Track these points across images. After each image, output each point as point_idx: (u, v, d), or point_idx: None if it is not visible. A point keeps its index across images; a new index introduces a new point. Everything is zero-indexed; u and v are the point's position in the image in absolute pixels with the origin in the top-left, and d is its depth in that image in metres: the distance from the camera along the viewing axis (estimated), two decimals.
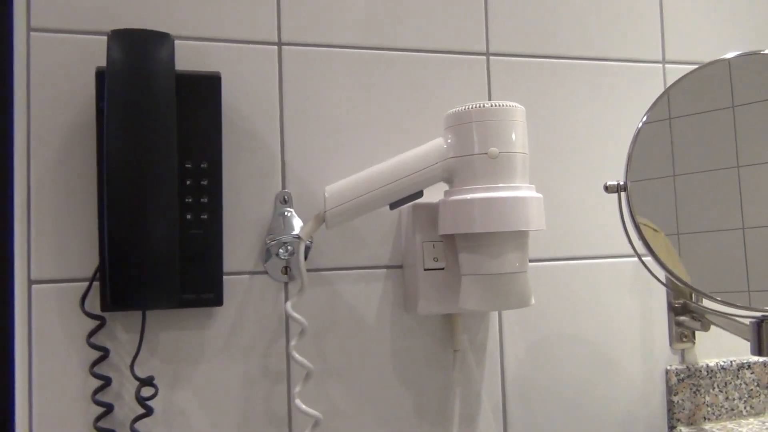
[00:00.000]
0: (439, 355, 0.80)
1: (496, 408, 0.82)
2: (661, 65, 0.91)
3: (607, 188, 0.74)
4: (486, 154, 0.68)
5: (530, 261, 0.83)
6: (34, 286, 0.69)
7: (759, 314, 0.71)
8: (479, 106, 0.69)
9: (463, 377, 0.81)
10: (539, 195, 0.69)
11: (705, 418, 0.88)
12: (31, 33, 0.71)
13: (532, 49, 0.86)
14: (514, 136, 0.69)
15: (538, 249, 0.85)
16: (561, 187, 0.86)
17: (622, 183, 0.74)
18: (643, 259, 0.76)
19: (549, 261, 0.85)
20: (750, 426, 0.86)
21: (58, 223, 0.70)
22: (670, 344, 0.89)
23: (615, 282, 0.87)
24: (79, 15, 0.72)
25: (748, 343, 0.72)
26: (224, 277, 0.73)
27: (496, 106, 0.69)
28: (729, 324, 0.76)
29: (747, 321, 0.72)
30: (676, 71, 0.90)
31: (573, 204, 0.87)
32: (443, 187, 0.72)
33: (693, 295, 0.85)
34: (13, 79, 0.70)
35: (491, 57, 0.85)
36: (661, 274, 0.78)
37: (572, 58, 0.88)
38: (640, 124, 0.75)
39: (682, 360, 0.89)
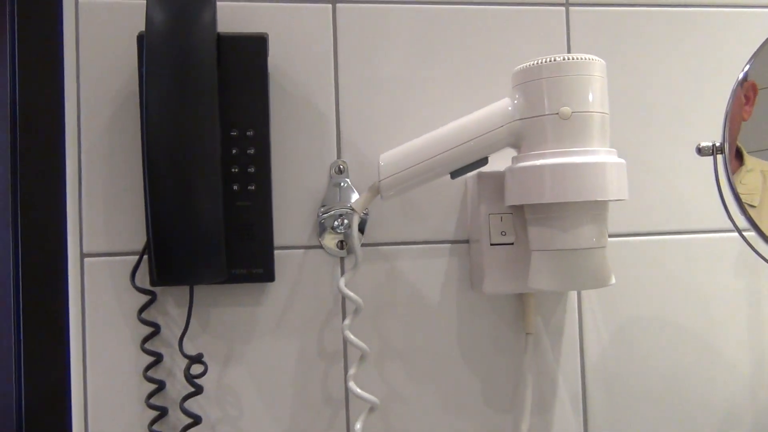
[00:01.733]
0: (509, 337, 0.73)
1: (575, 398, 0.74)
2: None
3: (700, 150, 0.64)
4: (557, 114, 0.60)
5: (612, 236, 0.75)
6: (86, 260, 0.68)
7: None
8: (550, 60, 0.61)
9: (537, 363, 0.74)
10: (621, 160, 0.61)
11: None
12: (80, 1, 0.69)
13: None
14: (590, 94, 0.60)
15: (623, 222, 0.76)
16: (649, 151, 0.76)
17: (718, 144, 0.63)
18: (744, 234, 0.66)
19: (636, 236, 0.76)
20: None
21: (109, 196, 0.69)
22: None
23: (715, 260, 0.77)
24: None
25: None
26: (276, 251, 0.69)
27: (569, 59, 0.60)
28: None
29: None
30: None
31: (663, 170, 0.76)
32: (512, 153, 0.65)
33: None
34: (63, 48, 0.69)
35: (571, 7, 0.76)
36: None
37: (662, 6, 0.77)
38: (740, 76, 0.64)
39: None
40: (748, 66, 0.65)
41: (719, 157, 0.63)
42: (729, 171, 0.63)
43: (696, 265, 0.76)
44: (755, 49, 0.66)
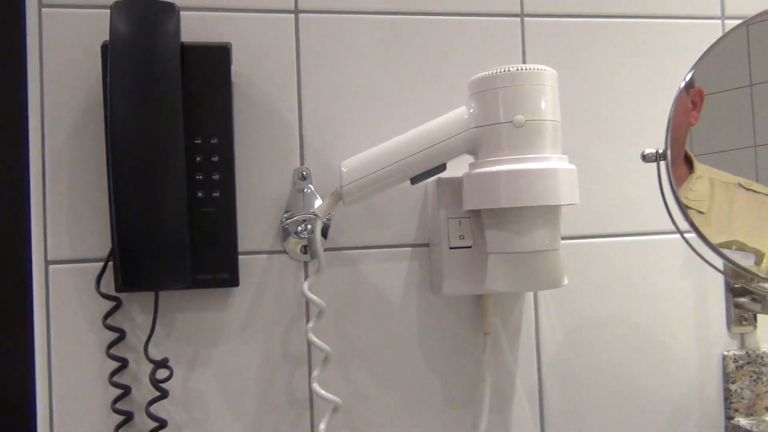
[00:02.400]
0: (468, 337, 0.76)
1: (532, 395, 0.77)
2: (719, 21, 0.83)
3: (644, 157, 0.67)
4: (511, 122, 0.63)
5: (567, 238, 0.78)
6: (51, 267, 0.69)
7: None
8: (504, 71, 0.63)
9: (495, 361, 0.76)
10: (572, 166, 0.63)
11: (767, 409, 0.80)
12: (43, 9, 0.69)
13: (570, 9, 0.79)
14: (543, 103, 0.63)
15: (577, 225, 0.79)
16: (599, 158, 0.80)
17: (661, 151, 0.67)
18: (686, 236, 0.69)
19: (589, 238, 0.79)
20: None
21: (74, 203, 0.69)
22: (728, 328, 0.81)
23: (663, 260, 0.80)
24: None
25: None
26: (241, 256, 0.71)
27: (522, 69, 0.63)
28: None
29: None
30: None
31: (614, 175, 0.80)
32: (470, 159, 0.67)
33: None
34: (27, 57, 0.69)
35: (525, 18, 0.78)
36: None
37: (614, 17, 0.80)
38: (682, 84, 0.68)
39: (742, 345, 0.81)
40: (690, 73, 0.68)
41: (662, 163, 0.67)
42: (671, 177, 0.66)
43: (645, 265, 0.80)
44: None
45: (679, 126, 0.69)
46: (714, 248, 0.67)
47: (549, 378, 0.78)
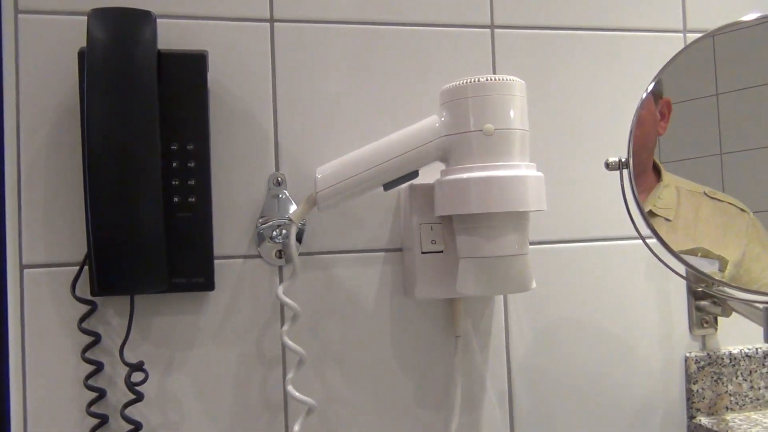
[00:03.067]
0: (440, 340, 0.78)
1: (502, 396, 0.79)
2: (681, 34, 0.86)
3: (608, 165, 0.70)
4: (481, 131, 0.65)
5: (535, 243, 0.80)
6: (25, 271, 0.69)
7: None
8: (474, 81, 0.65)
9: (466, 364, 0.78)
10: (539, 174, 0.66)
11: (727, 408, 0.83)
12: (19, 15, 0.70)
13: (539, 21, 0.82)
14: (512, 112, 0.65)
15: (544, 231, 0.81)
16: (568, 166, 0.82)
17: (624, 159, 0.69)
18: (648, 241, 0.72)
19: (556, 243, 0.81)
20: None
21: (49, 208, 0.70)
22: (690, 330, 0.84)
23: (628, 265, 0.83)
24: None
25: None
26: (216, 261, 0.71)
27: (492, 80, 0.65)
28: (747, 310, 0.72)
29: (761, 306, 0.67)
30: None
31: (581, 183, 0.82)
32: (441, 166, 0.69)
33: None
34: (2, 62, 0.69)
35: (496, 30, 0.81)
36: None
37: (582, 29, 0.83)
38: (644, 93, 0.70)
39: (703, 347, 0.84)
40: (653, 83, 0.71)
41: (625, 171, 0.69)
42: (633, 184, 0.68)
43: (611, 270, 0.82)
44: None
45: (645, 135, 0.72)
46: (675, 254, 0.70)
47: (518, 379, 0.80)
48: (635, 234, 0.77)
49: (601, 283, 0.82)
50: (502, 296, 0.80)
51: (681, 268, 0.72)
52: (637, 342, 0.83)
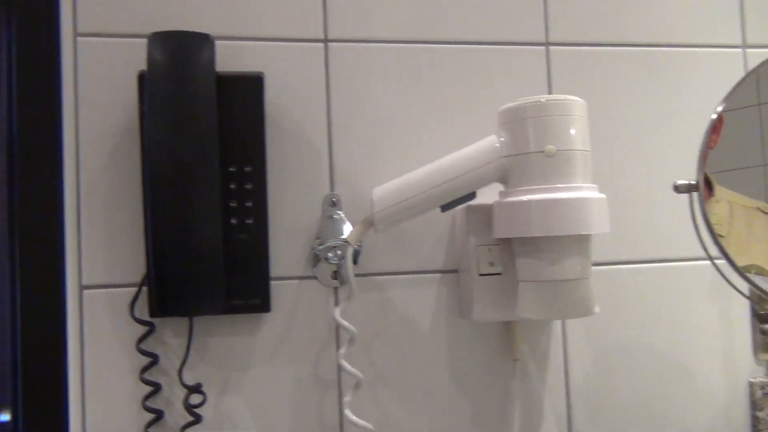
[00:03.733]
0: (497, 363, 0.76)
1: (560, 421, 0.77)
2: (741, 50, 0.84)
3: (677, 188, 0.68)
4: (542, 152, 0.64)
5: (595, 265, 0.78)
6: (85, 292, 0.70)
7: None
8: (534, 101, 0.64)
9: (524, 388, 0.77)
10: (602, 195, 0.64)
11: None
12: (78, 38, 0.71)
13: (595, 38, 0.80)
14: (573, 132, 0.64)
15: (604, 252, 0.79)
16: (628, 186, 0.80)
17: (693, 182, 0.67)
18: (717, 263, 0.69)
19: (616, 264, 0.79)
20: None
21: (108, 229, 0.70)
22: (754, 354, 0.81)
23: (690, 287, 0.80)
24: (124, 18, 0.71)
25: None
26: (272, 282, 0.71)
27: (552, 100, 0.64)
28: None
29: None
30: (759, 56, 0.82)
31: (642, 204, 0.80)
32: (499, 187, 0.68)
33: None
34: (62, 85, 0.70)
35: (551, 47, 0.80)
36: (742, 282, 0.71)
37: (638, 45, 0.81)
38: (715, 115, 0.69)
39: None
40: (722, 105, 0.69)
41: (694, 194, 0.67)
42: (704, 207, 0.67)
43: (671, 292, 0.80)
44: (727, 89, 0.70)
45: (705, 156, 0.70)
46: (742, 274, 0.68)
47: (577, 404, 0.78)
48: (695, 255, 0.76)
49: (661, 306, 0.80)
50: (559, 320, 0.78)
51: (744, 288, 0.70)
52: (699, 367, 0.80)
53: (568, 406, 0.78)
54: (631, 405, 0.79)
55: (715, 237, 0.67)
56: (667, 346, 0.80)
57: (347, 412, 0.68)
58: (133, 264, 0.70)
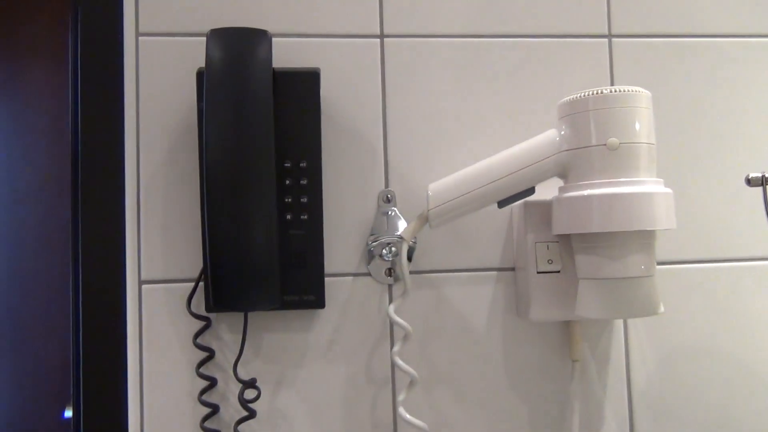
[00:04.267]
0: (556, 364, 0.74)
1: (622, 425, 0.74)
2: None
3: (749, 181, 0.65)
4: (605, 145, 0.61)
5: (660, 263, 0.75)
6: (144, 286, 0.71)
7: None
8: (596, 93, 0.62)
9: (584, 390, 0.74)
10: (668, 190, 0.62)
11: None
12: (140, 37, 0.72)
13: (659, 29, 0.77)
14: (637, 125, 0.62)
15: (670, 250, 0.76)
16: (696, 181, 0.77)
17: (767, 174, 0.64)
18: None
19: (683, 263, 0.76)
20: None
21: (167, 225, 0.71)
22: None
23: (762, 287, 0.76)
24: (184, 17, 0.72)
25: None
26: (326, 278, 0.71)
27: (615, 92, 0.62)
28: None
29: None
30: None
31: (711, 199, 0.77)
32: (558, 183, 0.66)
33: None
34: (124, 84, 0.72)
35: (613, 39, 0.77)
36: None
37: (704, 36, 0.78)
38: None
39: None
40: None
41: None
42: None
43: (742, 293, 0.76)
44: None
45: None
46: None
47: (640, 409, 0.75)
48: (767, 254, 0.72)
49: (730, 307, 0.76)
50: (621, 320, 0.75)
51: None
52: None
53: (631, 411, 0.75)
54: (699, 412, 0.75)
55: None
56: (738, 351, 0.76)
57: (401, 411, 0.67)
58: (191, 259, 0.71)
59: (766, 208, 0.64)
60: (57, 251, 1.81)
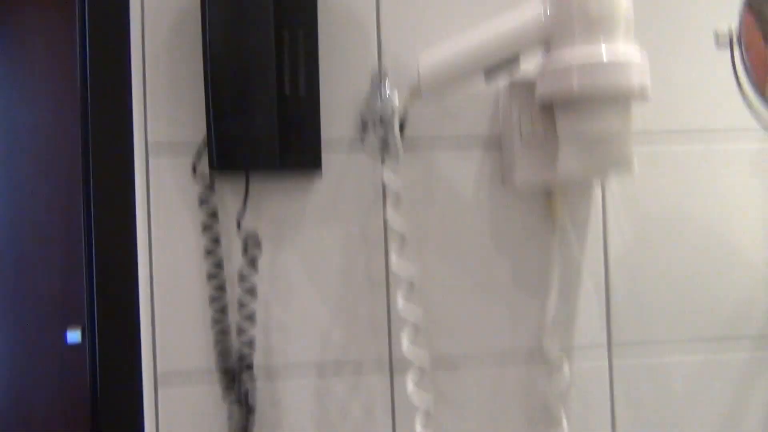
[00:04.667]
0: (538, 229, 0.79)
1: (599, 286, 0.80)
2: None
3: (717, 38, 0.68)
4: (584, 12, 0.65)
5: (636, 133, 0.78)
6: (150, 147, 0.75)
7: None
8: None
9: (563, 253, 0.80)
10: (643, 54, 0.65)
11: None
12: None
13: None
14: None
15: (644, 120, 0.80)
16: (671, 48, 0.81)
17: (735, 29, 0.68)
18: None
19: (656, 133, 0.81)
20: None
21: (172, 92, 0.75)
22: None
23: (734, 157, 0.81)
24: None
25: None
26: (323, 147, 0.75)
27: None
28: None
29: None
30: None
31: (685, 68, 0.81)
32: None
33: None
34: None
35: None
36: None
37: None
38: None
39: None
40: None
41: (736, 45, 0.67)
42: (745, 59, 0.67)
43: (714, 162, 0.81)
44: None
45: None
46: None
47: (616, 271, 0.80)
48: (739, 125, 0.76)
49: (702, 177, 0.81)
50: (600, 190, 0.80)
51: None
52: (739, 240, 0.81)
53: (606, 272, 0.80)
54: (671, 276, 0.81)
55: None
56: (709, 219, 0.81)
57: (393, 259, 0.72)
58: (195, 125, 0.74)
59: (733, 65, 0.67)
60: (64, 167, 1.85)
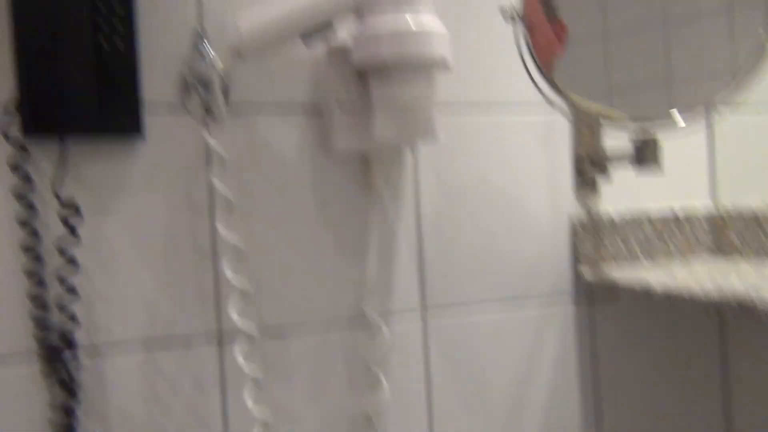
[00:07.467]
0: (357, 195, 0.84)
1: (412, 247, 0.87)
2: None
3: (503, 12, 0.78)
4: None
5: (441, 104, 0.87)
6: None
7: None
8: None
9: (379, 217, 0.86)
10: (442, 24, 0.73)
11: (605, 261, 0.95)
12: None
13: None
14: None
15: (448, 91, 0.88)
16: (471, 21, 0.89)
17: (519, 9, 0.78)
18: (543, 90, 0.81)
19: (460, 105, 0.89)
20: (651, 270, 0.94)
21: None
22: (574, 192, 0.94)
23: (527, 129, 0.92)
24: None
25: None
26: (145, 110, 0.75)
27: None
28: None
29: None
30: None
31: (485, 41, 0.90)
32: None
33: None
34: None
35: None
36: None
37: None
38: None
39: (585, 207, 0.95)
40: None
41: (519, 22, 0.78)
42: (527, 38, 0.77)
43: (510, 133, 0.92)
44: None
45: None
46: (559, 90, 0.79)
47: (428, 233, 0.88)
48: (526, 99, 0.86)
49: (500, 146, 0.91)
50: (412, 158, 0.87)
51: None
52: (530, 204, 0.93)
53: (419, 235, 0.88)
54: (475, 238, 0.90)
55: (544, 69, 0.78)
56: (504, 185, 0.91)
57: (219, 227, 0.74)
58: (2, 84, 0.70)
59: (516, 42, 0.78)
60: None
